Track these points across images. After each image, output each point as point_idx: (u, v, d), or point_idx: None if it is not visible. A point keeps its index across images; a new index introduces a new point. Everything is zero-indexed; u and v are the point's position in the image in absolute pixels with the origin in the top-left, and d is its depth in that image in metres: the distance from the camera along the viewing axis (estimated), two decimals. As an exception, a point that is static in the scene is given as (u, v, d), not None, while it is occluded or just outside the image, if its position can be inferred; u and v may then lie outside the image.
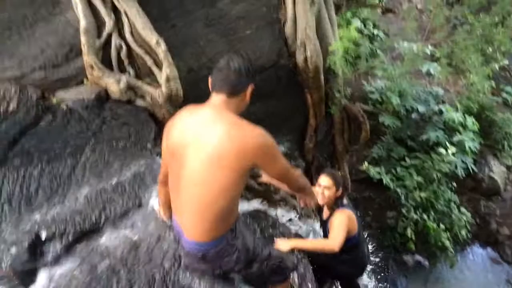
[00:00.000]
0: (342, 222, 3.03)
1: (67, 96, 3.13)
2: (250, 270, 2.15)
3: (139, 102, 3.35)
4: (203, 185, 1.87)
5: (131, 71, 3.39)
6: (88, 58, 3.22)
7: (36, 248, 2.14)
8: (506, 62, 6.50)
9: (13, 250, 2.10)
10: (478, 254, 6.24)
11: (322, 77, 4.36)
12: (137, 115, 3.27)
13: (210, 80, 1.99)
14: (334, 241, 2.90)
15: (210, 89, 1.98)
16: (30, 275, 2.06)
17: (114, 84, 3.22)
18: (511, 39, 5.14)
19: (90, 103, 3.12)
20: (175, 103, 3.31)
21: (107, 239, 2.29)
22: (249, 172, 1.91)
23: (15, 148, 2.70)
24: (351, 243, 3.17)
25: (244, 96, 1.97)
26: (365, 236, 5.40)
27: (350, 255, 3.23)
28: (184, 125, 1.95)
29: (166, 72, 3.21)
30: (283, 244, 2.82)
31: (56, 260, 2.14)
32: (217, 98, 1.93)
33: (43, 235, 2.19)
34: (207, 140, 1.85)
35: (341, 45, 4.09)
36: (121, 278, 2.06)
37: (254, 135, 1.85)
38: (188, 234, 1.96)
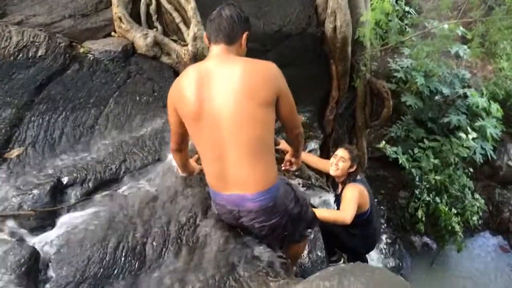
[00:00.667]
0: (354, 195, 3.05)
1: (94, 47, 3.14)
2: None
3: (164, 59, 3.34)
4: (247, 122, 1.86)
5: (159, 27, 3.37)
6: (117, 10, 3.20)
7: (57, 192, 2.19)
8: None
9: (35, 192, 2.15)
10: (487, 241, 6.24)
11: (349, 48, 4.29)
12: (162, 71, 3.27)
13: (205, 34, 2.04)
14: (346, 213, 2.92)
15: (207, 43, 2.02)
16: (50, 218, 2.12)
17: (141, 38, 3.21)
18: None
19: (116, 56, 3.12)
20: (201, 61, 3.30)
21: (125, 190, 2.33)
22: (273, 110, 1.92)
23: (42, 94, 2.73)
24: (362, 219, 3.19)
25: (240, 44, 2.00)
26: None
27: (361, 230, 3.25)
28: (195, 83, 1.91)
29: (193, 31, 3.19)
30: None
31: (76, 205, 2.19)
32: (217, 48, 1.96)
33: (65, 180, 2.24)
34: (230, 81, 1.85)
35: (373, 16, 4.00)
36: (137, 229, 2.11)
37: (270, 64, 1.94)
38: (250, 188, 1.94)
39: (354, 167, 3.16)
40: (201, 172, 2.53)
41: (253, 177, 1.94)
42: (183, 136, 2.16)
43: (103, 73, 3.03)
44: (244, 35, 2.00)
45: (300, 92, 4.35)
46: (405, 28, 6.41)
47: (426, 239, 5.91)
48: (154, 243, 2.09)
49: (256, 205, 1.96)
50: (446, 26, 5.26)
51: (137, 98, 2.99)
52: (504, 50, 5.82)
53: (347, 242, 3.32)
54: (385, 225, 5.75)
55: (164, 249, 2.09)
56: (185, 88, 1.94)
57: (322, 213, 2.99)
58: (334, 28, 4.07)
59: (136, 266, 1.99)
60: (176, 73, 3.35)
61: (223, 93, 1.86)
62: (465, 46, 5.80)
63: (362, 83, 4.59)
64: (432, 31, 5.61)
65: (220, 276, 2.02)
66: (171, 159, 2.62)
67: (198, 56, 3.29)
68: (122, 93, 2.97)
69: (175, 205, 2.30)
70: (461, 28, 5.63)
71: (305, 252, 2.74)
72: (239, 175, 1.94)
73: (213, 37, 1.97)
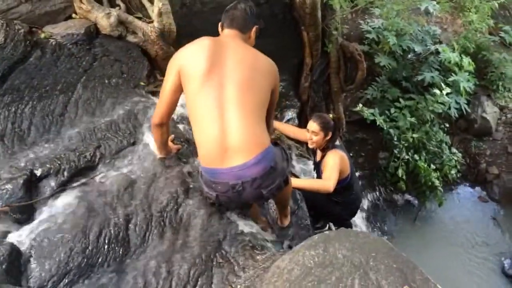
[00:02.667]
0: (335, 162, 3.06)
1: (55, 31, 3.00)
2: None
3: (131, 38, 3.23)
4: (253, 88, 2.00)
5: (122, 5, 3.23)
6: (75, -10, 3.07)
7: (31, 185, 2.13)
8: (506, -1, 6.31)
9: (8, 187, 2.08)
10: (466, 193, 6.41)
11: (319, 13, 4.23)
12: (129, 51, 3.16)
13: (220, 24, 2.23)
14: (329, 182, 2.94)
15: (220, 30, 2.23)
16: (27, 212, 2.06)
17: (104, 18, 3.08)
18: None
19: (80, 38, 2.99)
20: (168, 39, 3.21)
21: (103, 176, 2.28)
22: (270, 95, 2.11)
23: (5, 85, 2.61)
24: (344, 184, 3.22)
25: (250, 35, 2.21)
26: (358, 176, 5.50)
27: (343, 196, 3.29)
28: (209, 47, 2.03)
29: (158, 6, 3.07)
30: None
31: (53, 197, 2.14)
32: (230, 31, 2.16)
33: (38, 172, 2.17)
34: (244, 55, 2.05)
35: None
36: (118, 214, 2.08)
37: (274, 64, 2.18)
38: (251, 151, 1.94)
39: (330, 135, 3.15)
40: (179, 152, 2.51)
41: (254, 139, 1.96)
42: (172, 106, 2.16)
43: (68, 57, 2.91)
44: (254, 28, 2.22)
45: (274, 61, 4.32)
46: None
47: (407, 196, 6.03)
48: (137, 228, 2.07)
49: (259, 168, 1.95)
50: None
51: (106, 81, 2.90)
52: (473, 2, 5.84)
53: (331, 209, 3.36)
54: (367, 187, 5.84)
55: (147, 233, 2.07)
56: (198, 49, 2.05)
57: (305, 183, 3.00)
58: (302, -6, 4.00)
59: (121, 252, 1.97)
60: (145, 52, 3.26)
61: (236, 60, 2.01)
62: (434, 2, 5.79)
63: (334, 48, 4.55)
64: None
65: (206, 254, 2.02)
66: (147, 141, 2.58)
67: (165, 33, 3.19)
68: (89, 77, 2.87)
69: (155, 187, 2.27)
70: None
71: (291, 221, 2.76)
72: (240, 136, 1.94)
73: (226, 24, 2.18)
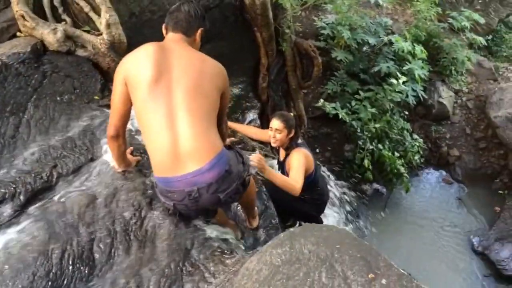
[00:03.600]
0: (300, 162, 3.08)
1: (0, 51, 2.89)
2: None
3: (80, 52, 3.14)
4: (201, 93, 1.98)
5: (68, 19, 3.14)
6: (17, 7, 2.95)
7: (-14, 212, 2.05)
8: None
9: (-38, 216, 2.00)
10: (431, 176, 6.60)
11: (270, 13, 4.25)
12: (80, 66, 3.08)
13: (163, 26, 2.18)
14: (296, 182, 2.94)
15: (165, 33, 2.17)
16: (-17, 240, 1.98)
17: (50, 34, 2.99)
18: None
19: (26, 57, 2.89)
20: (119, 50, 3.14)
21: (61, 196, 2.21)
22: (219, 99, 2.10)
23: (-50, 111, 2.51)
24: (309, 181, 3.24)
25: (195, 38, 2.17)
26: (323, 171, 5.57)
27: (309, 193, 3.30)
28: (154, 53, 1.98)
29: (105, 18, 3.01)
30: (258, 161, 2.74)
31: (10, 222, 2.06)
32: (174, 36, 2.12)
33: (-8, 199, 2.09)
34: (190, 60, 2.02)
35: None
36: (80, 234, 2.02)
37: (221, 65, 2.14)
38: (204, 157, 1.92)
39: (293, 132, 3.17)
40: (139, 164, 2.47)
41: (206, 144, 1.94)
42: (125, 117, 2.11)
43: (15, 77, 2.81)
44: (199, 31, 2.17)
45: (230, 65, 4.28)
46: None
47: (376, 185, 6.14)
48: (101, 245, 2.01)
49: (214, 173, 1.92)
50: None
51: (58, 98, 2.81)
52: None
53: (298, 207, 3.37)
54: (336, 180, 5.91)
55: (112, 249, 2.02)
56: (142, 56, 2.00)
57: (279, 179, 2.95)
58: (252, -5, 4.01)
59: (86, 271, 1.92)
60: (96, 66, 3.18)
61: (182, 66, 1.99)
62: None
63: (289, 46, 4.59)
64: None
65: (175, 264, 1.99)
66: (106, 155, 2.52)
67: (116, 44, 3.13)
68: (40, 95, 2.78)
69: (117, 202, 2.21)
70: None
71: (259, 222, 2.75)
72: (192, 142, 1.91)
73: (171, 27, 2.13)
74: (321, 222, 3.77)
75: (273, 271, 1.55)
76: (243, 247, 2.23)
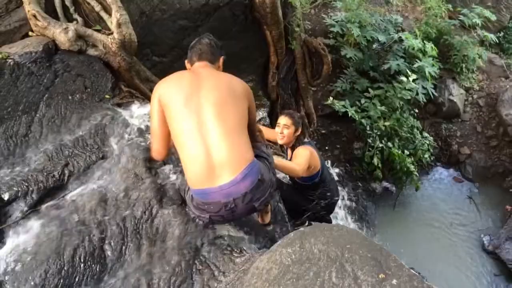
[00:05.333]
0: (305, 153, 3.07)
1: (12, 51, 2.92)
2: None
3: (92, 52, 3.16)
4: (231, 106, 2.07)
5: (79, 19, 3.17)
6: (30, 7, 2.98)
7: (0, 210, 2.08)
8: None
9: (-24, 213, 2.04)
10: (441, 175, 6.54)
11: (280, 11, 4.25)
12: (91, 65, 3.10)
13: (186, 61, 2.33)
14: (299, 167, 2.96)
15: (189, 67, 2.31)
16: (-2, 237, 2.01)
17: (62, 33, 3.02)
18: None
19: (39, 56, 2.92)
20: (130, 50, 3.16)
21: (73, 194, 2.24)
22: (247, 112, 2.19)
23: (-37, 110, 2.54)
24: (316, 180, 3.23)
25: (218, 65, 2.32)
26: (332, 171, 5.55)
27: (317, 192, 3.30)
28: (186, 76, 2.15)
29: (116, 17, 3.03)
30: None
31: (23, 219, 2.09)
32: (201, 64, 2.25)
33: (6, 196, 2.12)
34: (217, 80, 2.14)
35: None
36: (92, 231, 2.04)
37: (247, 84, 2.27)
38: (237, 167, 1.98)
39: (299, 130, 3.17)
40: (151, 162, 2.47)
41: (238, 154, 1.99)
42: (166, 138, 2.16)
43: (28, 76, 2.84)
44: (221, 59, 2.33)
45: (239, 63, 4.34)
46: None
47: (385, 184, 6.11)
48: (113, 243, 2.04)
49: (247, 183, 1.97)
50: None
51: (70, 97, 2.84)
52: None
53: (307, 207, 3.36)
54: (345, 178, 5.89)
55: (124, 247, 2.04)
56: (174, 79, 2.15)
57: (279, 162, 2.94)
58: (262, -7, 4.00)
59: (98, 269, 1.94)
60: (107, 65, 3.21)
61: (211, 84, 2.09)
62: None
63: (298, 44, 4.57)
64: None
65: (185, 262, 2.01)
66: (117, 154, 2.54)
67: (126, 43, 3.15)
68: (52, 94, 2.81)
69: (128, 200, 2.24)
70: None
71: (271, 219, 2.75)
72: (224, 153, 1.97)
73: (196, 58, 2.27)
74: (330, 221, 3.76)
75: (283, 270, 1.56)
76: (253, 245, 2.23)
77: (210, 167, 1.94)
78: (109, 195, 2.24)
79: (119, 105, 3.01)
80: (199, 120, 2.00)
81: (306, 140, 3.28)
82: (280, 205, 2.91)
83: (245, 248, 2.09)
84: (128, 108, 3.01)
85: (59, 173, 2.31)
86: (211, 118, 2.00)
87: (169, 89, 2.09)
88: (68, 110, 2.76)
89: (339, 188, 5.21)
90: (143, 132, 2.78)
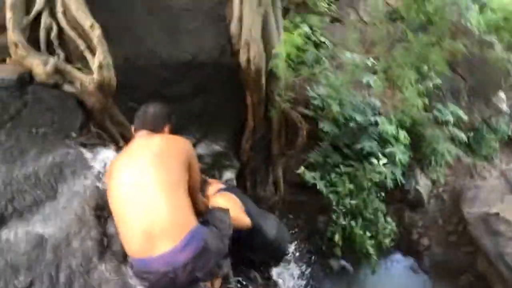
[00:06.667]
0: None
1: (-15, 74, 2.88)
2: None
3: (67, 88, 3.12)
4: (167, 169, 2.06)
5: (61, 54, 3.16)
6: (12, 35, 2.97)
7: None
8: (439, 81, 6.84)
9: None
10: (399, 262, 6.50)
11: (263, 79, 4.35)
12: (64, 101, 3.06)
13: (132, 128, 2.42)
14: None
15: (134, 132, 2.40)
16: None
17: (40, 65, 2.98)
18: (446, 60, 5.44)
19: (11, 84, 2.87)
20: (107, 92, 3.15)
21: (11, 232, 2.11)
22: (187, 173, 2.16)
23: None
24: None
25: (163, 133, 2.36)
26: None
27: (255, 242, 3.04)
28: (123, 162, 2.22)
29: (99, 59, 3.03)
30: None
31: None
32: (143, 133, 2.32)
33: None
34: (149, 146, 2.17)
35: (283, 50, 4.10)
36: (19, 278, 1.92)
37: (185, 139, 2.30)
38: (177, 234, 1.92)
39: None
40: (97, 211, 2.39)
41: (177, 220, 1.94)
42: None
43: (-5, 102, 2.78)
44: (167, 127, 2.38)
45: (216, 121, 4.37)
46: (321, 58, 6.68)
47: (343, 262, 6.03)
48: (40, 293, 1.91)
49: (189, 252, 1.90)
50: (356, 58, 5.57)
51: (34, 130, 2.77)
52: (408, 81, 6.25)
53: (255, 257, 3.14)
54: (303, 250, 5.80)
55: (51, 299, 1.91)
56: (114, 164, 2.28)
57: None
58: (248, 59, 4.09)
59: (16, 321, 1.80)
60: (80, 103, 3.17)
61: (144, 150, 2.16)
62: (374, 76, 6.17)
63: (277, 113, 4.66)
64: (344, 61, 5.90)
65: (113, 327, 1.89)
66: (69, 196, 2.45)
67: (104, 86, 3.13)
68: (15, 124, 2.73)
69: (67, 248, 2.13)
70: (370, 59, 5.98)
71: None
72: (162, 221, 1.92)
73: (139, 127, 2.37)
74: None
75: None
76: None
77: (149, 235, 1.90)
78: (49, 239, 2.12)
79: (84, 145, 2.95)
80: (134, 190, 2.00)
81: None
82: (230, 275, 2.80)
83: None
84: (92, 149, 2.94)
85: (2, 208, 2.20)
86: (145, 187, 1.99)
87: (117, 161, 2.26)
88: (28, 143, 2.67)
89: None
90: (102, 176, 2.71)
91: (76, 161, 2.71)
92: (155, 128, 2.33)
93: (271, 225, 3.22)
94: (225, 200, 2.86)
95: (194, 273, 1.93)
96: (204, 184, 2.96)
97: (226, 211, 2.42)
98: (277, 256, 3.43)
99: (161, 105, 2.44)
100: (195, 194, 2.29)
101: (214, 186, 3.13)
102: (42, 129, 2.82)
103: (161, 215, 1.93)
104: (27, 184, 2.40)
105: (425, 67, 6.17)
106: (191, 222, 1.99)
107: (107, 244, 2.23)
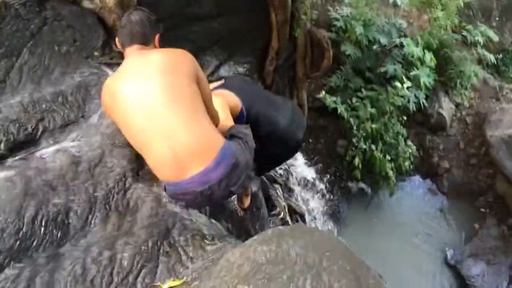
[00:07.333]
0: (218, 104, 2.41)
1: (3, -10, 2.72)
2: None
3: (86, 4, 2.98)
4: (179, 87, 1.91)
5: (78, -33, 2.99)
6: None
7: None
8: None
9: None
10: (418, 185, 6.59)
11: (289, -5, 4.11)
12: (84, 18, 2.92)
13: (117, 40, 2.14)
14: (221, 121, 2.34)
15: (121, 49, 2.13)
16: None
17: (57, -21, 2.83)
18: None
19: (30, 0, 2.73)
20: (127, 8, 2.98)
21: (44, 152, 2.10)
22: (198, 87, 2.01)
23: None
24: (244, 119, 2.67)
25: (154, 45, 2.14)
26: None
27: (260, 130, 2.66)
28: (126, 86, 1.97)
29: (117, -28, 2.86)
30: None
31: (-14, 171, 1.95)
32: (132, 49, 2.07)
33: (-29, 144, 1.98)
34: (150, 64, 1.94)
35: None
36: (58, 195, 1.91)
37: (184, 51, 2.06)
38: (206, 157, 1.87)
39: None
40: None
41: (205, 140, 1.89)
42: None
43: (14, 19, 2.65)
44: (157, 37, 2.14)
45: (239, 43, 4.19)
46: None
47: (361, 184, 6.11)
48: (78, 210, 1.91)
49: (221, 170, 1.89)
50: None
51: (56, 48, 2.67)
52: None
53: (264, 150, 2.58)
54: (323, 172, 5.86)
55: (90, 216, 1.93)
56: (117, 73, 2.06)
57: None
58: (273, -26, 3.86)
59: (59, 236, 1.82)
60: (100, 20, 3.03)
61: (146, 74, 1.93)
62: (403, -6, 5.83)
63: (302, 33, 4.46)
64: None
65: (153, 242, 1.90)
66: (96, 116, 2.41)
67: (124, 2, 2.97)
68: (37, 42, 2.63)
69: (102, 168, 2.11)
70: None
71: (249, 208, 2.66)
72: (189, 142, 1.87)
73: (127, 43, 2.09)
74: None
75: (255, 268, 1.48)
76: (227, 235, 2.14)
77: (179, 159, 1.87)
78: (83, 158, 2.11)
79: (107, 64, 2.86)
80: (156, 116, 1.88)
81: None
82: (259, 194, 2.83)
83: (217, 237, 2.00)
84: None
85: (32, 127, 2.17)
86: (166, 107, 1.87)
87: (113, 104, 2.01)
88: (52, 62, 2.60)
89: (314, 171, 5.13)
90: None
91: (102, 80, 2.62)
92: (145, 40, 2.08)
93: (284, 113, 2.89)
94: (218, 101, 2.46)
95: (228, 188, 1.96)
96: None
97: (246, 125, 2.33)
98: (291, 144, 3.02)
99: (146, 11, 2.16)
100: (211, 107, 2.15)
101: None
102: (64, 47, 2.72)
103: (187, 138, 1.87)
104: (55, 103, 2.35)
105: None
106: (218, 139, 1.94)
107: (141, 163, 2.21)
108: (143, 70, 1.94)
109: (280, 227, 1.65)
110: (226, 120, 2.45)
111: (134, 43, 2.06)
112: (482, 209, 6.11)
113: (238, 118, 2.61)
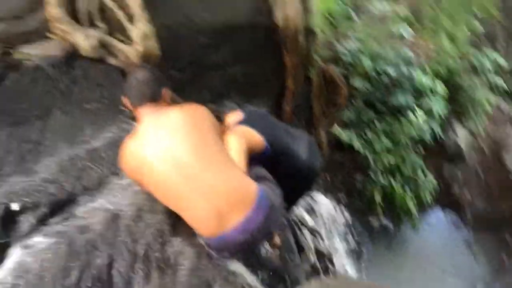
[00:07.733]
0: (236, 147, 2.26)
1: (32, 52, 2.84)
2: None
3: (111, 61, 3.09)
4: (203, 144, 1.96)
5: (103, 26, 3.10)
6: (53, 10, 2.91)
7: (7, 221, 1.98)
8: (478, 26, 6.57)
9: (-18, 223, 1.93)
10: (440, 217, 6.49)
11: (301, 38, 4.22)
12: (110, 75, 3.02)
13: (126, 101, 2.15)
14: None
15: (132, 109, 2.16)
16: (2, 250, 1.91)
17: (84, 40, 2.94)
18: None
19: (58, 60, 2.85)
20: (152, 63, 3.09)
21: (84, 210, 2.14)
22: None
23: (-23, 110, 2.45)
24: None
25: (164, 100, 2.14)
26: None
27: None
28: (151, 150, 1.98)
29: (142, 29, 2.97)
30: None
31: (31, 233, 1.99)
32: (145, 109, 2.08)
33: (15, 207, 2.02)
34: (176, 123, 1.98)
35: (322, 4, 3.96)
36: (101, 253, 1.94)
37: (198, 105, 2.12)
38: (245, 205, 1.91)
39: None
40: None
41: (241, 191, 1.92)
42: None
43: (45, 80, 2.76)
44: (165, 93, 2.14)
45: (256, 86, 4.28)
46: (349, 12, 6.43)
47: (383, 220, 6.04)
48: (121, 268, 1.93)
49: (261, 215, 1.92)
50: (387, 7, 5.36)
51: (86, 106, 2.76)
52: (450, 27, 6.00)
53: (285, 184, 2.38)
54: (343, 210, 5.81)
55: (132, 274, 1.94)
56: (139, 155, 2.02)
57: None
58: (285, 17, 3.98)
59: (104, 295, 1.84)
60: (125, 76, 3.13)
61: (171, 134, 1.96)
62: (407, 26, 5.95)
63: (316, 73, 4.56)
64: (376, 13, 5.70)
65: (196, 299, 1.91)
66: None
67: (147, 56, 3.08)
68: (67, 101, 2.73)
69: (139, 223, 2.13)
70: (402, 7, 5.75)
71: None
72: (229, 194, 1.90)
73: (137, 102, 2.10)
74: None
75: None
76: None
77: (218, 213, 1.90)
78: (122, 215, 2.14)
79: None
80: (186, 172, 1.91)
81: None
82: (290, 238, 2.83)
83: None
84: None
85: (72, 186, 2.22)
86: (195, 165, 1.91)
87: (143, 170, 2.02)
88: (83, 120, 2.68)
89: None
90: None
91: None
92: (155, 97, 2.09)
93: (302, 144, 2.77)
94: (236, 139, 2.27)
95: (268, 230, 2.02)
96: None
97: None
98: (311, 176, 2.89)
99: (149, 68, 2.24)
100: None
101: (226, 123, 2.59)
102: (94, 104, 2.81)
103: (225, 190, 1.90)
104: (90, 161, 2.41)
105: (461, 13, 5.91)
106: (252, 185, 1.96)
107: (177, 216, 2.23)
108: (167, 131, 1.98)
109: (324, 278, 1.65)
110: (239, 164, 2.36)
111: (145, 104, 2.09)
112: (508, 239, 6.00)
113: (263, 154, 2.46)
